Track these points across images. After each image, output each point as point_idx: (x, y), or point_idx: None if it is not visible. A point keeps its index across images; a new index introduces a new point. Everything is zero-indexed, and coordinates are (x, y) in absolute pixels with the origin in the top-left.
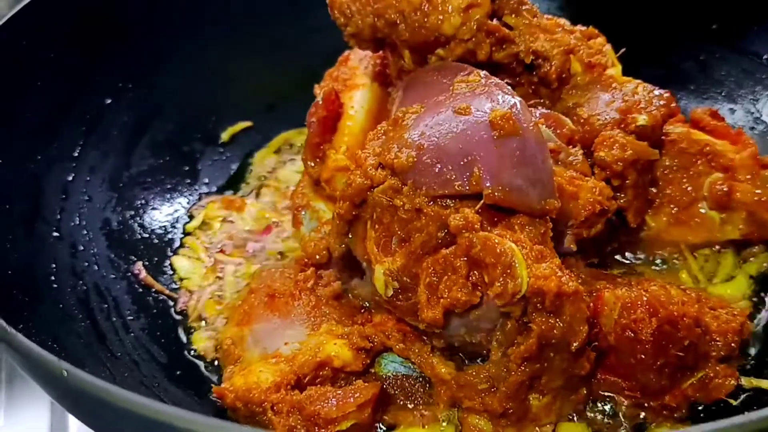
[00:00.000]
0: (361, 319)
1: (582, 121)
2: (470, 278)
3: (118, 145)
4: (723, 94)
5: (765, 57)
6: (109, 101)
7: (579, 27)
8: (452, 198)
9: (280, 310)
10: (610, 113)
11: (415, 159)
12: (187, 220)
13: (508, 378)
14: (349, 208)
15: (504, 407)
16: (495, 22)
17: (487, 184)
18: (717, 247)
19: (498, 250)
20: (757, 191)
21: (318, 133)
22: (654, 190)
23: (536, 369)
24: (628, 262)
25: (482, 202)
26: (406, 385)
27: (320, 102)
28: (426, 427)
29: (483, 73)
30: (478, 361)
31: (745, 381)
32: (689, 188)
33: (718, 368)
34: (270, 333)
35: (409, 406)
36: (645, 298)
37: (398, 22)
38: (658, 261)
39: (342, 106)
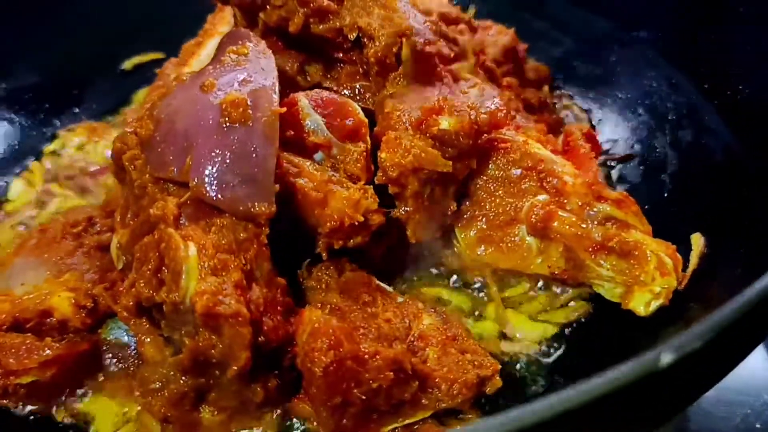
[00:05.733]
0: (116, 276)
1: (383, 114)
2: (160, 274)
3: None
4: (648, 107)
5: (701, 69)
6: None
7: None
8: (172, 183)
9: (41, 248)
10: (415, 111)
11: (152, 132)
12: (49, 144)
13: (169, 385)
14: (115, 170)
15: (164, 414)
16: None
17: (194, 176)
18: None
19: (173, 253)
20: (581, 225)
21: None
22: (467, 202)
23: (201, 383)
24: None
25: (188, 194)
26: (121, 355)
27: None
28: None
29: (256, 45)
30: None
31: None
32: (509, 207)
33: (424, 423)
34: (20, 270)
35: (120, 375)
36: (332, 327)
37: None
38: (476, 283)
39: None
